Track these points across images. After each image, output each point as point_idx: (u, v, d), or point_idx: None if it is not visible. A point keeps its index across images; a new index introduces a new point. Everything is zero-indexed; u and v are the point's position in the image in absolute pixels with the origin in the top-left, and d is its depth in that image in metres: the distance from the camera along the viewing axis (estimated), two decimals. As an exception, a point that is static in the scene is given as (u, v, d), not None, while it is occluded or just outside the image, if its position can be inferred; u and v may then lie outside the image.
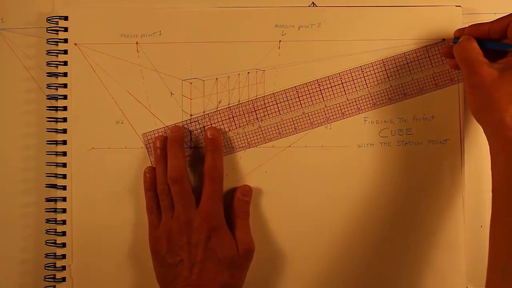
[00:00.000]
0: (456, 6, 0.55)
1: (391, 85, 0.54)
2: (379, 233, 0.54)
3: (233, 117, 0.55)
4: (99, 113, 0.54)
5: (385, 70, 0.54)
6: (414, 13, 0.55)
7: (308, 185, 0.54)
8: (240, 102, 0.54)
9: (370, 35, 0.55)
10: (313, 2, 0.55)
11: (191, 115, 0.54)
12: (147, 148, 0.54)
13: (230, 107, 0.54)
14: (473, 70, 0.45)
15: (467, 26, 0.50)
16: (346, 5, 0.55)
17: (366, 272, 0.54)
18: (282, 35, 0.54)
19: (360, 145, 0.55)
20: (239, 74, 0.54)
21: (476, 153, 0.55)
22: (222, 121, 0.55)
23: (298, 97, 0.55)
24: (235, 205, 0.53)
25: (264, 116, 0.55)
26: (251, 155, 0.55)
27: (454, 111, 0.54)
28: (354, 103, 0.55)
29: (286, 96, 0.55)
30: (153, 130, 0.54)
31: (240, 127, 0.55)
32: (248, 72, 0.54)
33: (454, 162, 0.55)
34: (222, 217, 0.51)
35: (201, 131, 0.55)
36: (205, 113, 0.54)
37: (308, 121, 0.55)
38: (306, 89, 0.55)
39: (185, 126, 0.54)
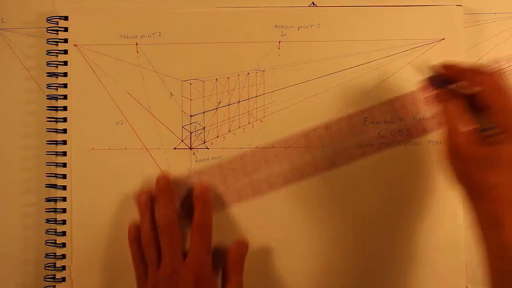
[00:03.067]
0: (457, 5, 0.55)
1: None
2: (379, 233, 0.54)
3: (225, 176, 0.55)
4: (99, 114, 0.54)
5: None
6: (414, 12, 0.55)
7: (308, 187, 0.54)
8: (231, 159, 0.54)
9: (370, 35, 0.55)
10: (313, 2, 0.55)
11: (191, 116, 0.54)
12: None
13: (220, 164, 0.54)
14: (454, 141, 0.44)
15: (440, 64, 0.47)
16: (346, 5, 0.55)
17: (366, 272, 0.54)
18: (282, 35, 0.54)
19: (360, 145, 0.55)
20: (238, 75, 0.54)
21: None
22: (212, 176, 0.55)
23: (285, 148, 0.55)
24: (228, 259, 0.52)
25: (255, 170, 0.55)
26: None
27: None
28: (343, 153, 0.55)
29: (275, 148, 0.54)
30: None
31: (229, 181, 0.55)
32: (248, 73, 0.54)
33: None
34: (210, 270, 0.50)
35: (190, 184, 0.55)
36: (194, 169, 0.55)
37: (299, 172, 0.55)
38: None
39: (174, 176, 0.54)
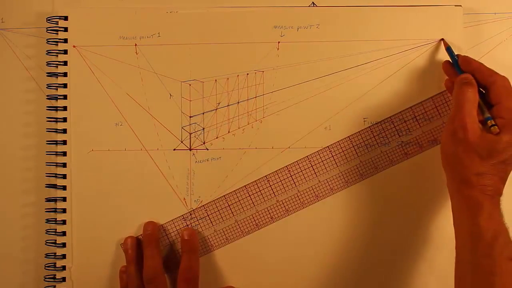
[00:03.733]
0: (456, 5, 0.55)
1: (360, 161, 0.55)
2: (378, 233, 0.54)
3: (208, 215, 0.55)
4: (98, 116, 0.55)
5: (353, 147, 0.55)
6: (414, 12, 0.55)
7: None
8: (214, 199, 0.55)
9: (369, 35, 0.55)
10: (313, 2, 0.55)
11: (190, 117, 0.54)
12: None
13: (204, 205, 0.55)
14: (463, 124, 0.46)
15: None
16: (346, 5, 0.55)
17: (366, 272, 0.54)
18: (281, 36, 0.54)
19: (360, 145, 0.55)
20: (238, 76, 0.54)
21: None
22: (198, 220, 0.55)
23: (270, 185, 0.55)
24: None
25: (239, 209, 0.55)
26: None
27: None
28: (327, 184, 0.55)
29: (258, 187, 0.55)
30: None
31: (216, 224, 0.55)
32: (247, 74, 0.54)
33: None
34: None
35: (177, 232, 0.55)
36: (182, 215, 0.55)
37: (284, 208, 0.55)
38: (276, 176, 0.54)
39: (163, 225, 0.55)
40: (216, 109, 0.54)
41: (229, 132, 0.54)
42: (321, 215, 0.54)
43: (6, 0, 0.56)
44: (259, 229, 0.55)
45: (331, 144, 0.54)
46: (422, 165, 0.55)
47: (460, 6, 0.55)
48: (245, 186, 0.54)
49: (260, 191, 0.54)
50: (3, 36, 0.56)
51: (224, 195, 0.54)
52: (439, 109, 0.54)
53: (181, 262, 0.52)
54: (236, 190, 0.54)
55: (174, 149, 0.55)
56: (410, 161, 0.55)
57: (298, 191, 0.55)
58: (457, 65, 0.51)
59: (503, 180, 0.46)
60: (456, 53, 0.52)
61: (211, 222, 0.55)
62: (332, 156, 0.54)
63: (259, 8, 0.55)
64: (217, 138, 0.54)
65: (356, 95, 0.54)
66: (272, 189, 0.55)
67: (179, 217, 0.55)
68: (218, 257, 0.55)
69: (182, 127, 0.55)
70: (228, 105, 0.54)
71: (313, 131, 0.54)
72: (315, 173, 0.55)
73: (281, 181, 0.54)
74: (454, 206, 0.48)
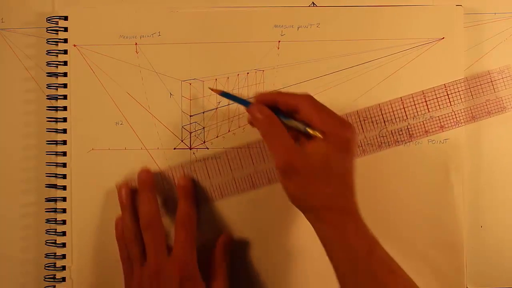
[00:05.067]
0: (457, 5, 0.55)
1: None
2: (378, 233, 0.54)
3: (207, 168, 0.55)
4: (99, 115, 0.54)
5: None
6: (414, 12, 0.55)
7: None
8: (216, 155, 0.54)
9: (369, 34, 0.55)
10: (313, 2, 0.55)
11: (190, 116, 0.54)
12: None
13: (204, 160, 0.54)
14: (285, 158, 0.45)
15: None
16: (345, 5, 0.55)
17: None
18: (281, 35, 0.54)
19: (360, 145, 0.55)
20: (238, 75, 0.54)
21: (476, 152, 0.55)
22: (196, 171, 0.55)
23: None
24: (213, 253, 0.53)
25: (238, 167, 0.55)
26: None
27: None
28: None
29: (261, 147, 0.54)
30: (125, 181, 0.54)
31: (213, 177, 0.55)
32: (248, 73, 0.54)
33: (453, 162, 0.55)
34: (195, 265, 0.50)
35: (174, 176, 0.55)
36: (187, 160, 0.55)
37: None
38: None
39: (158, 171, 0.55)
40: (216, 108, 0.54)
41: (229, 131, 0.54)
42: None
43: (6, 0, 0.56)
44: (254, 188, 0.55)
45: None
46: (420, 163, 0.55)
47: (461, 6, 0.55)
48: (247, 145, 0.55)
49: (261, 153, 0.55)
50: (3, 36, 0.56)
51: (225, 150, 0.54)
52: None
53: (178, 207, 0.51)
54: (238, 147, 0.55)
55: (175, 148, 0.54)
56: (409, 159, 0.55)
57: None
58: (242, 102, 0.49)
59: (351, 191, 0.46)
60: (222, 91, 0.52)
61: (208, 175, 0.54)
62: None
63: (260, 8, 0.55)
64: (217, 137, 0.54)
65: (356, 94, 0.54)
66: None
67: (176, 165, 0.54)
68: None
69: (182, 126, 0.54)
70: (228, 104, 0.54)
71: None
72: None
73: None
74: (320, 236, 0.46)
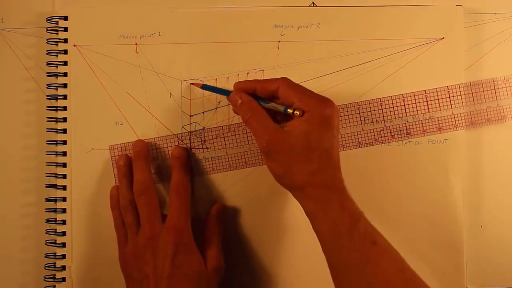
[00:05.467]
0: (457, 5, 0.55)
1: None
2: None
3: (204, 141, 0.55)
4: (99, 115, 0.54)
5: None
6: (414, 12, 0.55)
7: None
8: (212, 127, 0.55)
9: (369, 34, 0.55)
10: (313, 2, 0.55)
11: (190, 116, 0.54)
12: (112, 161, 0.54)
13: (201, 133, 0.55)
14: (265, 138, 0.46)
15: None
16: (345, 5, 0.55)
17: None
18: (281, 35, 0.54)
19: (360, 145, 0.55)
20: (238, 75, 0.54)
21: (476, 152, 0.55)
22: (191, 143, 0.55)
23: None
24: (207, 222, 0.53)
25: (233, 144, 0.55)
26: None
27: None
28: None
29: None
30: (120, 144, 0.54)
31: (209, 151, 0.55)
32: (248, 73, 0.54)
33: (453, 162, 0.55)
34: (189, 232, 0.50)
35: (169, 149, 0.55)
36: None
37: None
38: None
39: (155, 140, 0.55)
40: (216, 108, 0.54)
41: (229, 131, 0.54)
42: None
43: (6, 0, 0.56)
44: (247, 167, 0.55)
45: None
46: (424, 161, 0.55)
47: (461, 6, 0.55)
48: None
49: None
50: (3, 36, 0.56)
51: (221, 126, 0.55)
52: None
53: (172, 175, 0.52)
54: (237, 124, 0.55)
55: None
56: (409, 159, 0.55)
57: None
58: (223, 92, 0.51)
59: (335, 167, 0.46)
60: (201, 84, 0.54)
61: (203, 148, 0.55)
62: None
63: (260, 8, 0.55)
64: (217, 137, 0.54)
65: (356, 94, 0.54)
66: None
67: (172, 135, 0.55)
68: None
69: (182, 126, 0.54)
70: (228, 104, 0.54)
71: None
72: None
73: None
74: (305, 211, 0.47)
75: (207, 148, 0.54)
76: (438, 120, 0.54)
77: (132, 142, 0.54)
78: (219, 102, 0.54)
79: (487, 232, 0.56)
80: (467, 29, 0.55)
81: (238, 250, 0.55)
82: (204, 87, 0.53)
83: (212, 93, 0.54)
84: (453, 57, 0.54)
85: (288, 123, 0.47)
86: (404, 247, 0.54)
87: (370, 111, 0.54)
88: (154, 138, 0.54)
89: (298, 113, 0.45)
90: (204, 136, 0.54)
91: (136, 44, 0.54)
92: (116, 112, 0.54)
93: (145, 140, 0.54)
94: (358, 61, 0.54)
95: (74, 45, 0.54)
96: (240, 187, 0.55)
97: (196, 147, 0.55)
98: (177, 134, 0.54)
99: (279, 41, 0.54)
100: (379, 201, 0.54)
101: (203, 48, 0.54)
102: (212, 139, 0.54)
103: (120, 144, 0.54)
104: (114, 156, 0.54)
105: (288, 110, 0.46)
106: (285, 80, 0.47)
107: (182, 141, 0.54)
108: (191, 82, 0.54)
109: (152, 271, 0.48)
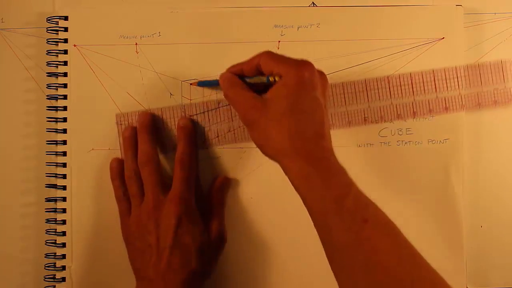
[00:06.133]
0: (457, 5, 0.55)
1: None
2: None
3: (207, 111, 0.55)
4: (99, 115, 0.54)
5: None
6: (414, 12, 0.55)
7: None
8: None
9: (369, 35, 0.55)
10: (313, 2, 0.55)
11: (190, 116, 0.54)
12: (118, 127, 0.54)
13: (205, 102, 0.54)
14: (243, 107, 0.45)
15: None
16: (345, 5, 0.55)
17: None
18: (281, 35, 0.54)
19: (360, 145, 0.55)
20: (238, 75, 0.54)
21: (476, 152, 0.55)
22: (196, 115, 0.55)
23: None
24: (211, 194, 0.53)
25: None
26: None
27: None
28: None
29: None
30: (127, 113, 0.54)
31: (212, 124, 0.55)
32: (248, 73, 0.54)
33: (454, 162, 0.55)
34: (193, 203, 0.51)
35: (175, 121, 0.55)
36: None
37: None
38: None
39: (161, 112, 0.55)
40: (216, 108, 0.54)
41: (229, 131, 0.54)
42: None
43: (6, 0, 0.56)
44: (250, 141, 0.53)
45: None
46: (424, 161, 0.55)
47: (461, 6, 0.55)
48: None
49: None
50: (3, 36, 0.56)
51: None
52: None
53: (177, 146, 0.52)
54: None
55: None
56: (409, 159, 0.55)
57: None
58: (217, 83, 0.50)
59: (318, 133, 0.44)
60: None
61: (208, 119, 0.55)
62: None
63: (260, 8, 0.55)
64: (217, 137, 0.54)
65: (356, 94, 0.54)
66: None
67: (177, 105, 0.54)
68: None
69: (150, 112, 0.54)
70: (228, 104, 0.54)
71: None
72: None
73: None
74: (293, 177, 0.44)
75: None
76: (445, 100, 0.54)
77: (138, 111, 0.54)
78: (219, 102, 0.54)
79: (487, 232, 0.56)
80: (467, 29, 0.55)
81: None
82: (200, 83, 0.53)
83: (212, 93, 0.54)
84: (453, 57, 0.54)
85: (268, 92, 0.45)
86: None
87: (377, 88, 0.54)
88: (161, 108, 0.54)
89: (277, 79, 0.44)
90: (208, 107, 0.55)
91: (136, 44, 0.54)
92: (116, 112, 0.54)
93: (150, 111, 0.54)
94: (358, 61, 0.54)
95: (74, 45, 0.54)
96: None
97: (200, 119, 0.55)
98: (183, 105, 0.54)
99: (279, 41, 0.54)
100: (379, 201, 0.54)
101: (203, 48, 0.54)
102: (214, 109, 0.54)
103: (127, 112, 0.54)
104: (120, 124, 0.54)
105: (270, 78, 0.45)
106: (265, 53, 0.46)
107: (186, 112, 0.55)
108: (191, 82, 0.54)
109: (155, 241, 0.49)
